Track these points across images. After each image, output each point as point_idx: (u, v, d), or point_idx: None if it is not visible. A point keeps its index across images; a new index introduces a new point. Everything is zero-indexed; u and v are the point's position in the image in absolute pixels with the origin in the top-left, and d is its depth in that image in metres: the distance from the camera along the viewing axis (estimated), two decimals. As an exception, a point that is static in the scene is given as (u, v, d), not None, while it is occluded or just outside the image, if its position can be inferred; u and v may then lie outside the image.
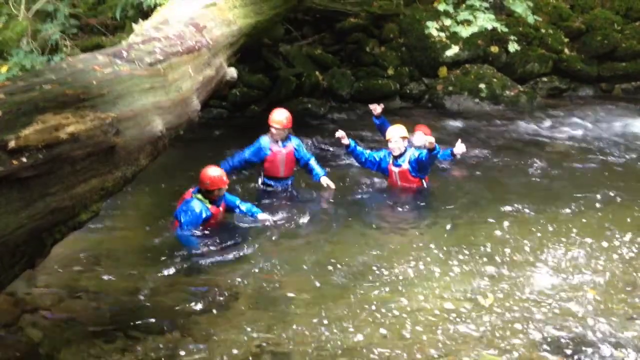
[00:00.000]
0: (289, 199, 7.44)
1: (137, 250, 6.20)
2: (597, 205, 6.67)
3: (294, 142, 7.58)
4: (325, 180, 7.41)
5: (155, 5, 7.36)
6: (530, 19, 8.61)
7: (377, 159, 7.51)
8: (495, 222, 6.38)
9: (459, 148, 7.45)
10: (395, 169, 7.41)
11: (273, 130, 7.44)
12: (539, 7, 10.74)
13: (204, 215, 6.28)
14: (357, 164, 7.76)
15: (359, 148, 7.54)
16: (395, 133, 7.40)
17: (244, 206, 6.73)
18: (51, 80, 3.74)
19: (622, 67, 11.45)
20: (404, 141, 7.37)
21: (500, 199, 7.03)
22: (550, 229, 6.15)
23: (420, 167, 7.30)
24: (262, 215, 6.68)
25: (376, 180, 7.74)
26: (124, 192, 5.14)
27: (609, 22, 11.54)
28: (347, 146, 7.45)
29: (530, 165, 8.11)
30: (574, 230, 6.10)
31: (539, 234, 6.05)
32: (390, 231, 6.56)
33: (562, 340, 4.44)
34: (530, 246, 5.82)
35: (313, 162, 7.54)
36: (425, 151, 7.11)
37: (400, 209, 7.19)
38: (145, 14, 7.09)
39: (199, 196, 6.34)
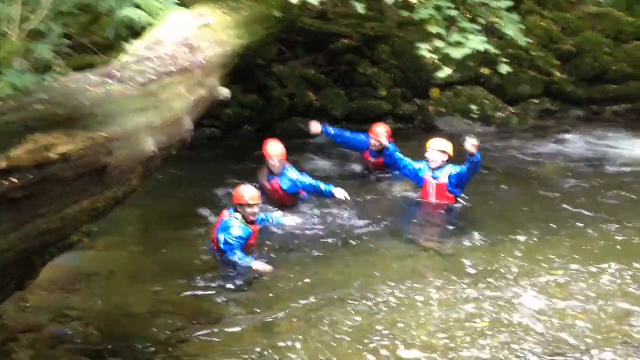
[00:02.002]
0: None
1: (127, 270, 6.16)
2: (588, 228, 6.68)
3: (287, 176, 7.35)
4: (339, 193, 7.17)
5: (148, 26, 7.36)
6: (522, 41, 8.64)
7: (415, 168, 7.46)
8: (497, 244, 6.36)
9: (471, 144, 6.89)
10: (433, 182, 7.34)
11: (270, 162, 7.34)
12: (530, 29, 10.82)
13: (245, 234, 6.19)
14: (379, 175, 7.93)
15: (398, 154, 7.52)
16: (434, 144, 7.38)
17: (271, 218, 6.81)
18: (43, 100, 3.73)
19: (613, 89, 11.53)
20: (442, 155, 7.30)
21: (501, 221, 7.09)
22: (542, 253, 6.14)
23: (460, 183, 7.24)
24: (287, 220, 6.78)
25: (406, 194, 7.74)
26: (114, 212, 5.11)
27: (600, 45, 11.64)
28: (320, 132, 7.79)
29: (524, 188, 8.13)
30: (570, 253, 6.10)
31: (536, 258, 6.03)
32: (408, 249, 6.53)
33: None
34: (527, 269, 5.81)
35: (316, 186, 7.31)
36: (464, 167, 7.03)
37: (424, 228, 7.23)
38: (138, 34, 7.09)
39: (237, 216, 6.28)
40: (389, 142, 7.50)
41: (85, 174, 3.77)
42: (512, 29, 8.40)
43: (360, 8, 8.08)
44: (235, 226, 6.19)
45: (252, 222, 6.34)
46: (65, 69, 8.19)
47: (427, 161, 7.41)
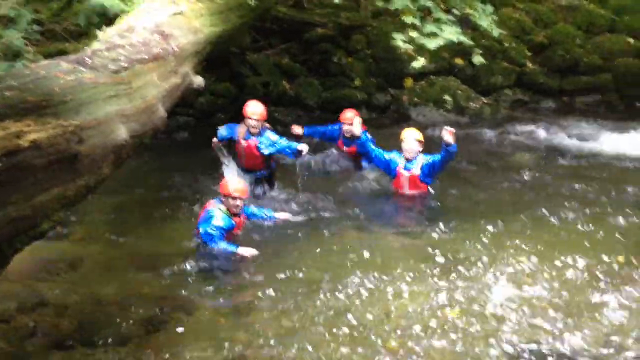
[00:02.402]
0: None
1: (101, 259, 6.12)
2: (556, 218, 6.76)
3: (264, 137, 7.45)
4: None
5: (121, 13, 7.28)
6: (495, 32, 8.72)
7: (387, 158, 7.43)
8: (467, 234, 6.43)
9: (448, 133, 6.85)
10: (406, 173, 7.34)
11: (249, 121, 7.43)
12: (503, 21, 10.91)
13: (226, 224, 6.20)
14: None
15: (370, 144, 7.51)
16: (410, 134, 7.37)
17: (261, 212, 6.79)
18: (12, 86, 3.68)
19: (584, 81, 11.67)
20: (419, 145, 7.30)
21: (471, 211, 7.16)
22: (511, 242, 6.20)
23: (432, 172, 7.24)
24: (279, 215, 6.80)
25: (380, 185, 7.78)
26: (87, 200, 5.07)
27: (571, 37, 11.77)
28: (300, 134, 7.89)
29: (494, 178, 8.21)
30: (538, 243, 6.18)
31: (506, 248, 6.10)
32: (379, 239, 6.54)
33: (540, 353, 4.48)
34: (496, 259, 5.88)
35: (292, 147, 7.35)
36: (437, 157, 7.05)
37: (396, 219, 7.28)
38: (110, 21, 7.01)
39: (222, 207, 6.27)
40: (362, 131, 7.50)
41: (56, 162, 3.73)
42: (485, 20, 8.47)
43: (336, -5, 8.07)
44: (217, 216, 6.19)
45: (235, 214, 6.33)
46: (35, 55, 8.08)
47: (400, 152, 7.40)
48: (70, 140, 3.82)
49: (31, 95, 3.68)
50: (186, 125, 10.60)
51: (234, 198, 6.27)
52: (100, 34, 5.97)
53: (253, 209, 6.77)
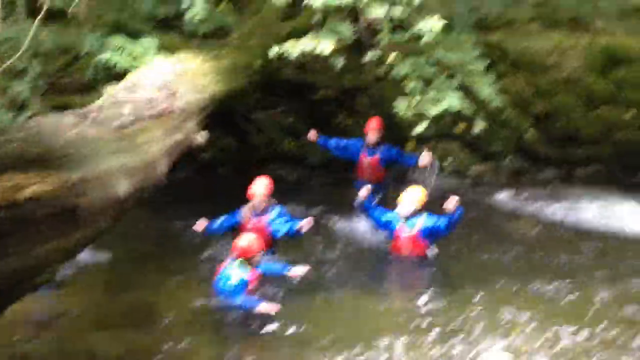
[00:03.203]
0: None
1: (96, 312, 6.07)
2: (552, 289, 6.74)
3: (272, 214, 7.30)
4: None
5: (128, 70, 7.43)
6: (496, 101, 8.87)
7: (386, 219, 7.42)
8: (463, 302, 6.41)
9: (452, 203, 6.98)
10: (405, 233, 7.32)
11: (253, 200, 7.26)
12: (504, 90, 11.06)
13: (241, 283, 6.22)
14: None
15: (372, 206, 7.50)
16: (406, 194, 7.39)
17: (274, 266, 6.79)
18: (17, 138, 3.74)
19: (584, 151, 11.75)
20: (412, 204, 7.31)
21: (467, 277, 7.14)
22: (507, 311, 6.16)
23: (433, 235, 7.24)
24: (293, 271, 6.70)
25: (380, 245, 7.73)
26: (84, 253, 5.06)
27: (571, 108, 11.91)
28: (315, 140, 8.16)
29: (493, 244, 8.18)
30: (535, 312, 6.14)
31: (501, 317, 6.05)
32: (376, 305, 6.52)
33: None
34: (491, 329, 5.82)
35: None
36: (442, 222, 7.05)
37: (394, 283, 7.32)
38: (117, 77, 7.15)
39: (236, 262, 6.30)
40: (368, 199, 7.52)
41: (56, 214, 3.76)
42: (487, 88, 8.61)
43: (338, 64, 8.23)
44: (233, 275, 6.24)
45: (251, 266, 6.36)
46: (41, 107, 8.21)
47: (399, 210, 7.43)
48: (70, 194, 3.86)
49: (35, 148, 3.74)
50: (187, 179, 10.65)
51: (253, 256, 6.31)
52: (107, 89, 6.08)
53: (265, 263, 6.73)
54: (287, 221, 7.26)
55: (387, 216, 7.46)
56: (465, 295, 6.56)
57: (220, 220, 7.29)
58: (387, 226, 7.46)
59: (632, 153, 11.60)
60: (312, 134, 8.78)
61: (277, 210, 7.37)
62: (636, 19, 15.21)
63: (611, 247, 8.16)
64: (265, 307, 6.09)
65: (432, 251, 7.45)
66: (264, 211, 7.29)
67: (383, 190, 8.93)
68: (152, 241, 7.91)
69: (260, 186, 7.35)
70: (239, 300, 6.13)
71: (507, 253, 7.92)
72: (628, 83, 12.09)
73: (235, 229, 7.26)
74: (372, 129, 8.63)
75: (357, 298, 6.62)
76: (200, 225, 7.22)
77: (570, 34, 14.20)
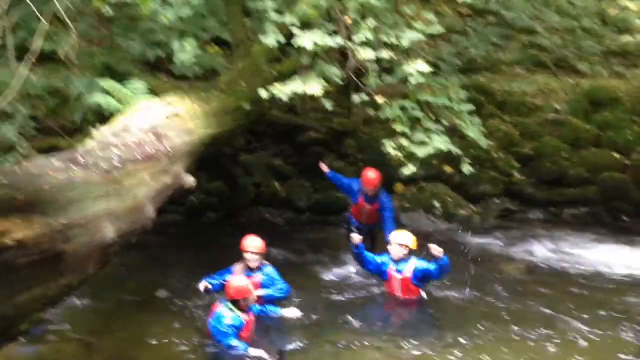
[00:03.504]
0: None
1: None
2: (542, 332, 6.74)
3: (264, 273, 7.13)
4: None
5: (117, 112, 7.42)
6: (483, 143, 8.92)
7: (378, 262, 7.47)
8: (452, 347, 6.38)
9: (435, 251, 7.04)
10: (397, 276, 7.34)
11: (248, 256, 7.08)
12: (490, 132, 11.15)
13: (235, 323, 6.16)
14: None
15: (364, 252, 7.49)
16: (394, 238, 7.44)
17: (267, 308, 6.78)
18: (2, 184, 3.69)
19: (570, 193, 11.82)
20: (402, 248, 7.34)
21: (457, 321, 7.12)
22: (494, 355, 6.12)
23: (425, 278, 7.29)
24: (286, 312, 6.76)
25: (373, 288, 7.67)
26: (72, 297, 4.98)
27: (557, 150, 12.02)
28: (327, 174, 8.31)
29: (481, 287, 8.14)
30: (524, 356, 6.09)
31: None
32: (369, 352, 6.42)
33: None
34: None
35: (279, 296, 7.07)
36: (434, 267, 7.11)
37: (386, 326, 7.16)
38: (106, 119, 7.14)
39: (229, 305, 6.24)
40: (360, 244, 7.50)
41: (40, 261, 3.69)
42: (473, 130, 8.67)
43: (328, 104, 8.28)
44: (227, 316, 6.18)
45: (244, 311, 6.28)
46: (29, 150, 8.17)
47: (389, 254, 7.45)
48: (56, 240, 3.80)
49: (20, 194, 3.68)
50: (174, 223, 10.58)
51: (245, 298, 6.23)
52: (94, 132, 6.06)
53: (258, 305, 6.68)
54: (278, 288, 7.10)
55: (378, 259, 7.48)
56: (455, 339, 6.52)
57: (217, 279, 7.10)
58: (379, 269, 7.47)
59: (617, 195, 11.71)
60: (324, 166, 9.12)
61: (268, 270, 7.17)
62: (619, 60, 15.53)
63: (596, 290, 8.15)
64: (256, 353, 6.03)
65: (422, 295, 7.45)
66: (256, 269, 7.14)
67: (374, 231, 8.93)
68: (136, 288, 7.78)
69: (254, 245, 7.13)
70: (233, 342, 6.04)
71: (493, 297, 7.88)
72: (612, 125, 12.26)
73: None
74: (370, 184, 8.55)
75: (357, 342, 6.54)
76: (204, 285, 7.06)
77: (555, 76, 14.48)
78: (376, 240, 8.69)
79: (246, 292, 6.28)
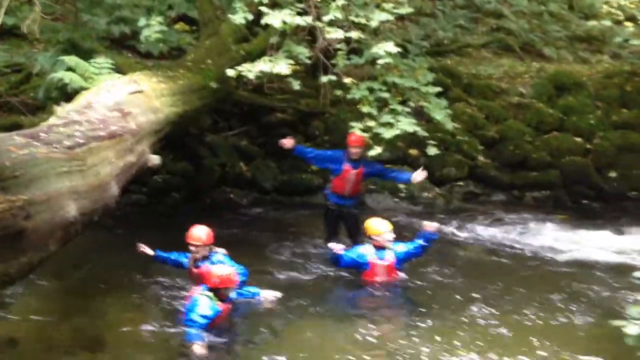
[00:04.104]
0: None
1: (39, 340, 5.88)
2: (501, 314, 6.84)
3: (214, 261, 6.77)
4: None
5: (81, 89, 7.30)
6: (449, 125, 8.98)
7: (355, 255, 7.33)
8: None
9: (433, 227, 7.31)
10: (381, 262, 7.30)
11: (192, 248, 6.81)
12: (456, 115, 11.23)
13: (211, 313, 6.02)
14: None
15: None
16: (386, 227, 7.35)
17: (246, 290, 6.65)
18: (-38, 159, 3.63)
19: (533, 176, 12.00)
20: (392, 234, 7.38)
21: (427, 303, 7.24)
22: (455, 337, 6.26)
23: (409, 259, 7.38)
24: (264, 293, 6.67)
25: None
26: (32, 276, 4.92)
27: (521, 133, 12.18)
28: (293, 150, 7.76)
29: (445, 269, 8.22)
30: (483, 338, 6.24)
31: (449, 342, 6.12)
32: (349, 343, 6.32)
33: None
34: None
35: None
36: (415, 245, 7.23)
37: (366, 312, 7.13)
38: (70, 96, 7.02)
39: (208, 293, 6.11)
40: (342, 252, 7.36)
41: (1, 238, 3.65)
42: (439, 113, 8.72)
43: (296, 85, 8.26)
44: (203, 304, 6.03)
45: (223, 301, 6.17)
46: (-11, 127, 8.01)
47: (376, 245, 7.33)
48: (17, 216, 3.75)
49: (-20, 169, 3.62)
50: (138, 203, 10.48)
51: (227, 288, 6.13)
52: (58, 109, 5.97)
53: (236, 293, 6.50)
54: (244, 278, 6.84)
55: (354, 254, 7.40)
56: (417, 322, 6.64)
57: (170, 255, 6.99)
58: (356, 262, 7.38)
59: (578, 179, 11.94)
60: (287, 142, 8.52)
61: (219, 257, 6.85)
62: (584, 46, 15.77)
63: (554, 273, 8.30)
64: (198, 350, 5.79)
65: (401, 277, 7.51)
66: (205, 259, 6.84)
67: (358, 204, 8.92)
68: (99, 267, 7.71)
69: (196, 237, 6.81)
70: (193, 331, 5.90)
71: (452, 279, 7.95)
72: (575, 110, 12.47)
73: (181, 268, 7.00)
74: (357, 142, 8.33)
75: (324, 325, 6.56)
76: (144, 249, 6.92)
77: (521, 60, 14.65)
78: (359, 221, 8.48)
79: (229, 282, 6.17)
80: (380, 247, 7.34)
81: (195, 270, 6.83)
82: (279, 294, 6.82)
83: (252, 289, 6.76)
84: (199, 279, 6.58)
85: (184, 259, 6.95)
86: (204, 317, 5.98)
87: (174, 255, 7.00)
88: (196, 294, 6.19)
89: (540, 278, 8.09)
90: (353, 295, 7.56)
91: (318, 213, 9.17)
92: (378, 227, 7.43)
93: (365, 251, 7.40)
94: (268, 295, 6.79)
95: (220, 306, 6.13)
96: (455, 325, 6.55)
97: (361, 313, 7.11)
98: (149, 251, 6.93)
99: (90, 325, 6.19)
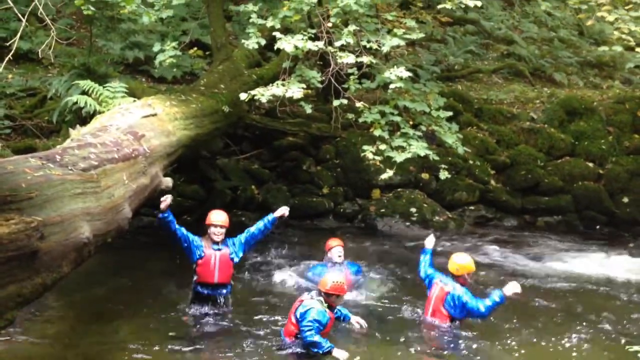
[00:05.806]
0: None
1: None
2: (517, 339, 6.80)
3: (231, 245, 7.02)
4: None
5: (95, 113, 7.39)
6: (460, 150, 9.01)
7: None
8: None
9: (512, 288, 6.50)
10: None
11: (212, 229, 6.95)
12: (467, 139, 11.28)
13: (323, 319, 5.97)
14: None
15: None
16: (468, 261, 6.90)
17: (344, 311, 6.53)
18: (-21, 180, 3.67)
19: (545, 201, 11.98)
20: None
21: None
22: None
23: (460, 311, 6.70)
24: (354, 319, 6.51)
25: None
26: (43, 298, 4.93)
27: (533, 158, 12.18)
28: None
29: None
30: None
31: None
32: None
33: None
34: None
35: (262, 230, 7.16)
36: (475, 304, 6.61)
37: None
38: (83, 120, 7.11)
39: (319, 298, 6.06)
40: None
41: (14, 258, 3.68)
42: (451, 137, 8.75)
43: (308, 108, 8.32)
44: (315, 309, 5.98)
45: (332, 309, 6.13)
46: (4, 150, 8.10)
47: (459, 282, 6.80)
48: (31, 237, 3.78)
49: (-3, 190, 3.67)
50: (150, 225, 10.51)
51: (339, 296, 6.10)
52: (73, 132, 6.03)
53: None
54: (240, 245, 7.08)
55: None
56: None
57: (182, 228, 6.92)
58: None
59: (590, 204, 11.90)
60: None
61: (234, 240, 7.09)
62: (595, 71, 15.82)
63: (565, 295, 8.23)
64: (339, 354, 5.85)
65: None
66: (221, 243, 7.00)
67: None
68: (111, 289, 7.72)
69: (219, 219, 7.01)
70: (317, 338, 5.85)
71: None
72: (586, 135, 12.47)
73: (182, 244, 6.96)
74: (337, 250, 8.00)
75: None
76: (165, 200, 6.61)
77: (532, 85, 14.70)
78: None
79: (342, 290, 6.11)
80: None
81: (216, 252, 6.90)
82: (365, 324, 6.57)
83: (344, 311, 6.56)
84: (220, 265, 6.84)
85: (197, 239, 6.92)
86: (317, 322, 5.91)
87: (185, 233, 6.90)
88: (307, 301, 6.07)
89: (552, 301, 8.02)
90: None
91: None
92: (463, 265, 6.84)
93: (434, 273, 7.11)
94: (360, 321, 6.58)
95: (329, 314, 6.06)
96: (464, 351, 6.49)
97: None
98: (169, 201, 6.68)
99: (102, 346, 6.18)
